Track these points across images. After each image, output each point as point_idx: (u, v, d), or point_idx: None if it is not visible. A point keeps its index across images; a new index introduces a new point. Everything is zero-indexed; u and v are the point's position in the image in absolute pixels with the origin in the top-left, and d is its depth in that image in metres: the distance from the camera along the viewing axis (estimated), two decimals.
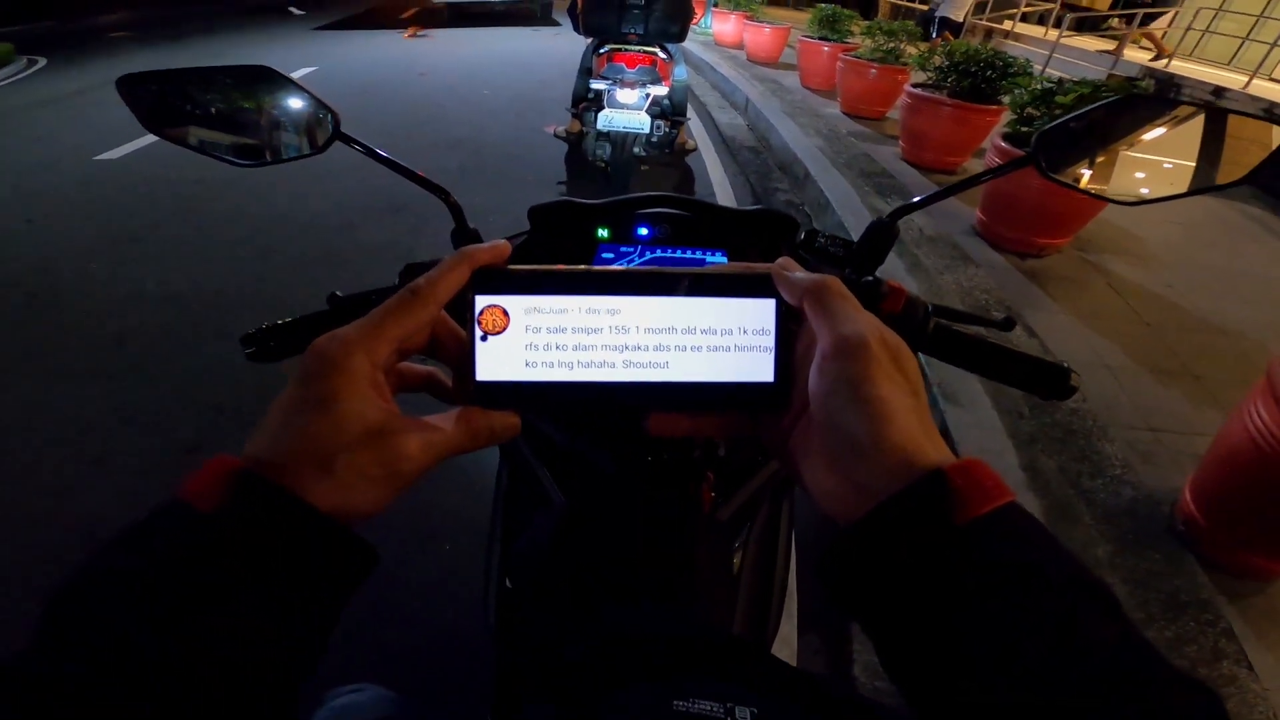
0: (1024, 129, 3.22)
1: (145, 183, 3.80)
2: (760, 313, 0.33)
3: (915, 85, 4.25)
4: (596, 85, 3.42)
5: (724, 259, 0.60)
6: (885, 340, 0.30)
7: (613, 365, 0.31)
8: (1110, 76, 8.14)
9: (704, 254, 0.60)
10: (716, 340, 0.32)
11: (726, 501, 0.58)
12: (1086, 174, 0.72)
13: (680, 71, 3.74)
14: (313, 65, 7.58)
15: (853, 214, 3.30)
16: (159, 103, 0.66)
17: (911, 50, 5.30)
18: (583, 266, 0.33)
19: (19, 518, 1.68)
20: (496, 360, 0.31)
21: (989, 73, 3.92)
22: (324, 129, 0.66)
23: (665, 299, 0.32)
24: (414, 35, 9.46)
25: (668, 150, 3.66)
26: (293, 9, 14.04)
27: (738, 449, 0.59)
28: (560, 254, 0.62)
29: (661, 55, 3.47)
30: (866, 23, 5.94)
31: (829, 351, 0.30)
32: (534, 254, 0.64)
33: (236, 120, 0.66)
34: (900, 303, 0.59)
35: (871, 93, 5.31)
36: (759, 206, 0.64)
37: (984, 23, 11.68)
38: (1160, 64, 8.09)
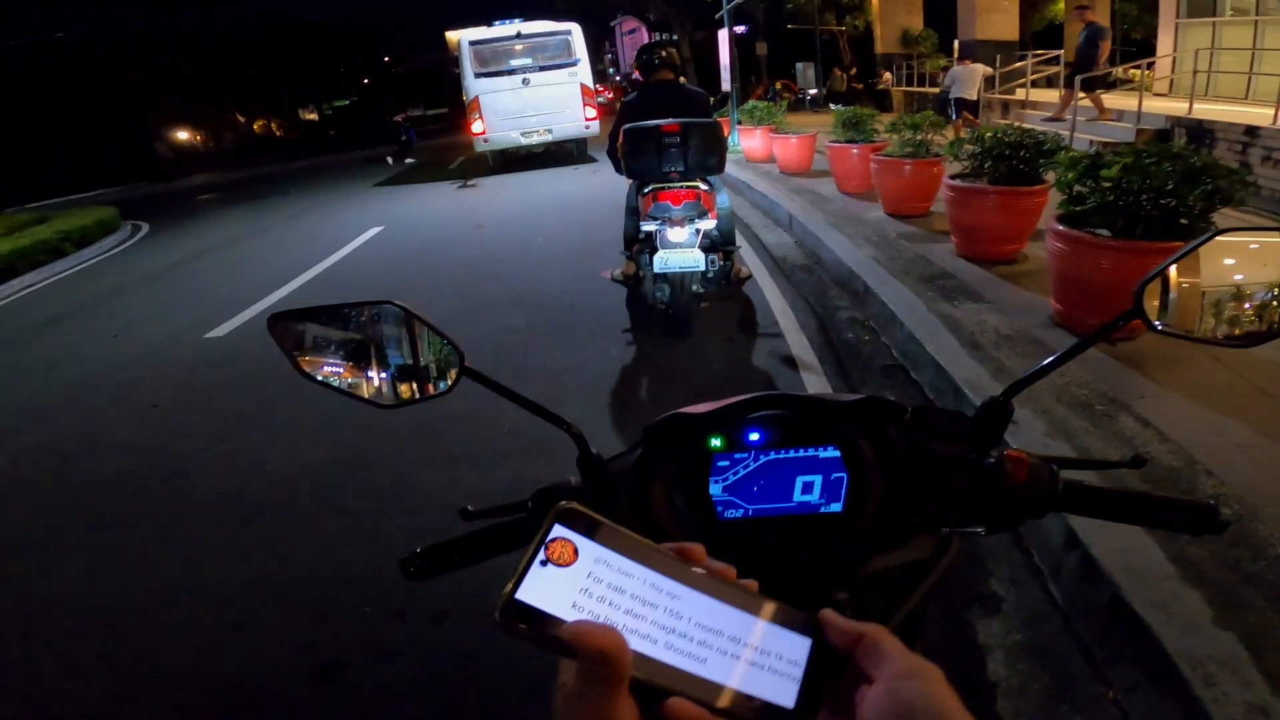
0: (1077, 208, 3.19)
1: (252, 361, 4.16)
2: (796, 646, 0.35)
3: (954, 177, 4.30)
4: (647, 227, 3.55)
5: (836, 453, 0.60)
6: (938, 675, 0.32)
7: (654, 641, 0.32)
8: (1139, 132, 8.12)
9: (816, 451, 0.60)
10: (754, 655, 0.34)
11: None
12: (1198, 319, 0.69)
13: (723, 199, 3.86)
14: (379, 225, 8.22)
15: (921, 324, 3.27)
16: (302, 342, 0.70)
17: (939, 139, 5.42)
18: (667, 548, 0.35)
19: (168, 679, 1.88)
20: (546, 590, 0.32)
21: (1023, 153, 3.94)
22: (451, 364, 0.67)
23: (722, 604, 0.34)
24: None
25: (725, 283, 3.75)
26: (388, 159, 15.92)
27: (861, 603, 0.58)
28: (675, 468, 0.63)
29: (704, 187, 3.60)
30: (888, 118, 6.13)
31: (894, 680, 0.32)
32: (648, 470, 0.64)
33: (373, 359, 0.69)
34: (1024, 471, 0.59)
35: (911, 190, 5.40)
36: (861, 395, 0.64)
37: (998, 96, 11.95)
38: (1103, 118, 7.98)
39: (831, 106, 14.05)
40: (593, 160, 11.85)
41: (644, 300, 3.83)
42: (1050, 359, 0.63)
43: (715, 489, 0.60)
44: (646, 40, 27.14)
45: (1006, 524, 0.61)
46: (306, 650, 1.91)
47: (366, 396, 0.68)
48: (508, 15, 12.45)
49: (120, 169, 25.35)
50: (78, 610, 2.19)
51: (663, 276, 3.50)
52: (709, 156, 3.58)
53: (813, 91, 19.72)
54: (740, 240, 4.69)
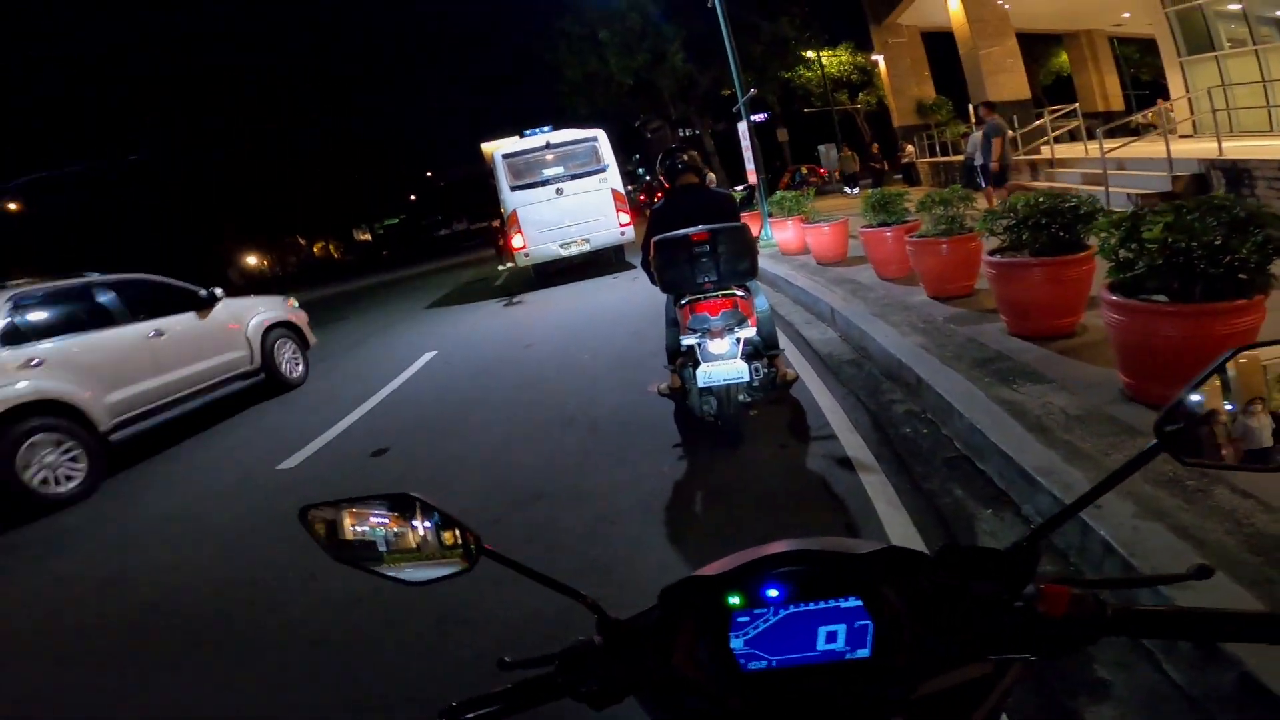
0: (1126, 275, 3.07)
1: (324, 486, 4.40)
2: None
3: (993, 252, 4.23)
4: (687, 341, 3.55)
5: (858, 603, 0.60)
6: None
7: None
8: (1175, 179, 7.96)
9: (837, 602, 0.61)
10: None
11: None
12: (1226, 444, 0.64)
13: (761, 303, 3.86)
14: (433, 350, 8.53)
15: (983, 412, 3.16)
16: (331, 530, 0.75)
17: (972, 213, 5.35)
18: None
19: None
20: None
21: (1060, 219, 3.82)
22: (469, 546, 0.72)
23: None
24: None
25: (771, 388, 3.72)
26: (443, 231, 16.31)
27: None
28: (696, 626, 0.64)
29: (740, 294, 3.58)
30: (918, 194, 6.13)
31: None
32: (669, 628, 0.65)
33: (398, 543, 0.74)
34: (1064, 604, 0.58)
35: (951, 270, 5.33)
36: (882, 545, 0.63)
37: (1024, 157, 11.98)
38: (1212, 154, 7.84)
39: (846, 190, 14.23)
40: (631, 266, 12.19)
41: (691, 413, 3.83)
42: (1078, 498, 0.63)
43: (737, 643, 0.61)
44: (670, 137, 28.45)
45: (1057, 652, 0.59)
46: None
47: (395, 576, 0.74)
48: (534, 124, 12.76)
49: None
50: None
51: (708, 390, 3.50)
52: (740, 261, 3.59)
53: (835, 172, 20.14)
54: (783, 340, 4.71)
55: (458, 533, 0.73)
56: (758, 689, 0.61)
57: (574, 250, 12.02)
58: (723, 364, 3.41)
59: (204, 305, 6.72)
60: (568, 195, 11.82)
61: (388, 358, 8.70)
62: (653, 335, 4.79)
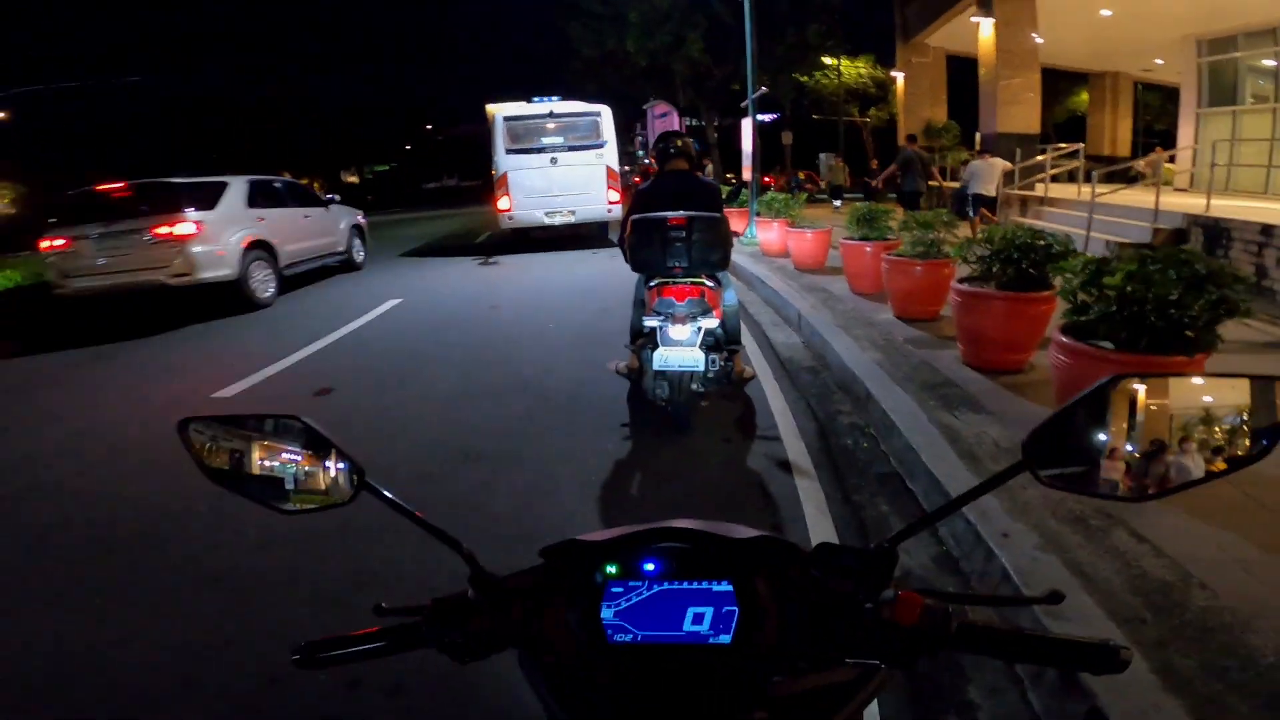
0: (1081, 318, 3.12)
1: None
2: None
3: (961, 280, 4.28)
4: (650, 322, 3.56)
5: (729, 588, 0.61)
6: None
7: None
8: (1156, 231, 8.13)
9: (710, 584, 0.62)
10: None
11: None
12: (1093, 471, 0.65)
13: (730, 297, 3.87)
14: (399, 298, 8.46)
15: (920, 433, 3.22)
16: (210, 446, 0.73)
17: (952, 239, 5.40)
18: None
19: None
20: None
21: (1032, 255, 3.86)
22: (350, 480, 0.71)
23: None
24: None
25: (726, 382, 3.74)
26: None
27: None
28: (571, 591, 0.64)
29: (709, 284, 3.61)
30: (904, 214, 6.16)
31: None
32: (545, 590, 0.66)
33: (275, 468, 0.72)
34: (916, 613, 0.60)
35: (920, 292, 5.39)
36: (760, 534, 0.65)
37: (1017, 192, 12.11)
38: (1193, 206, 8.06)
39: (833, 202, 14.19)
40: (612, 245, 12.12)
41: (645, 395, 3.84)
42: (941, 506, 0.65)
43: (607, 613, 0.62)
44: (677, 124, 28.32)
45: (902, 661, 0.61)
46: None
47: (268, 502, 0.72)
48: (546, 94, 12.83)
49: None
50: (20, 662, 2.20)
51: (662, 374, 3.51)
52: (712, 252, 3.60)
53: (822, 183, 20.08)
54: (747, 338, 4.72)
55: (340, 464, 0.72)
56: (621, 662, 0.61)
57: (559, 220, 12.01)
58: (680, 350, 3.42)
59: (326, 204, 10.73)
60: (562, 165, 11.81)
61: (351, 299, 8.58)
62: (620, 314, 4.77)
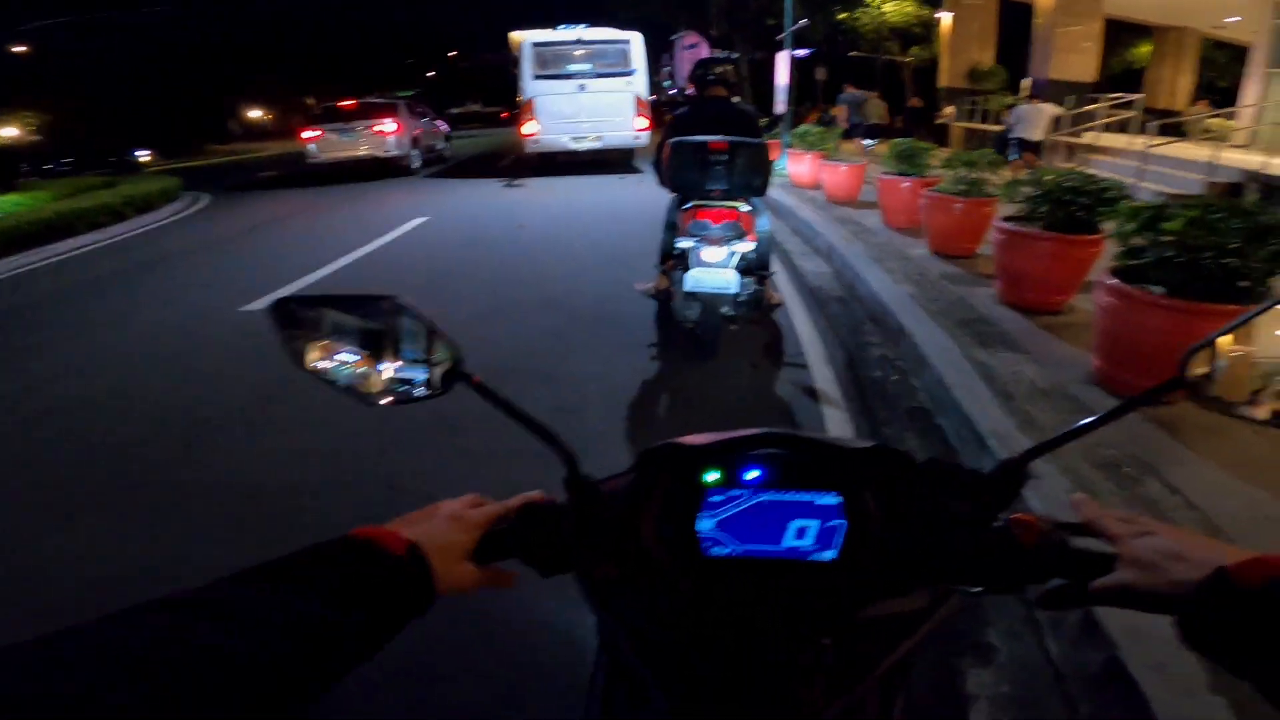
0: (1132, 261, 3.05)
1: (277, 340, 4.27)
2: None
3: (1006, 219, 4.17)
4: (682, 244, 3.52)
5: (836, 500, 0.57)
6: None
7: None
8: (1211, 185, 7.80)
9: (815, 496, 0.58)
10: None
11: (832, 704, 0.57)
12: (1245, 393, 0.62)
13: (764, 223, 3.81)
14: (425, 215, 8.40)
15: (953, 369, 3.16)
16: (300, 329, 0.67)
17: (995, 179, 5.27)
18: None
19: None
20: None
21: (1083, 199, 3.77)
22: (447, 367, 0.65)
23: None
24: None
25: (755, 307, 3.69)
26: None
27: (848, 649, 0.57)
28: (667, 497, 0.60)
29: (745, 209, 3.55)
30: (945, 154, 6.00)
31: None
32: (639, 497, 0.61)
33: (368, 354, 0.66)
34: (1033, 537, 0.56)
35: (959, 229, 5.26)
36: (872, 443, 0.61)
37: (1064, 139, 11.63)
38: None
39: (864, 143, 13.57)
40: (638, 171, 11.89)
41: (673, 316, 3.81)
42: (1080, 423, 0.59)
43: (705, 524, 0.58)
44: (706, 55, 27.24)
45: (1008, 587, 0.57)
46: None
47: (358, 391, 0.66)
48: (573, 20, 12.64)
49: (193, 142, 26.63)
50: (62, 580, 2.17)
51: (693, 295, 3.46)
52: (754, 177, 3.55)
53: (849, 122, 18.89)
54: (776, 265, 4.63)
55: (438, 352, 0.65)
56: (713, 574, 0.58)
57: (585, 145, 11.90)
58: (713, 272, 3.36)
59: (435, 117, 16.96)
60: (590, 92, 11.69)
61: (379, 217, 8.51)
62: (647, 237, 4.68)
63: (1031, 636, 1.81)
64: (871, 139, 13.65)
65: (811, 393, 3.30)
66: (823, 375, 3.49)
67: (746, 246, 3.49)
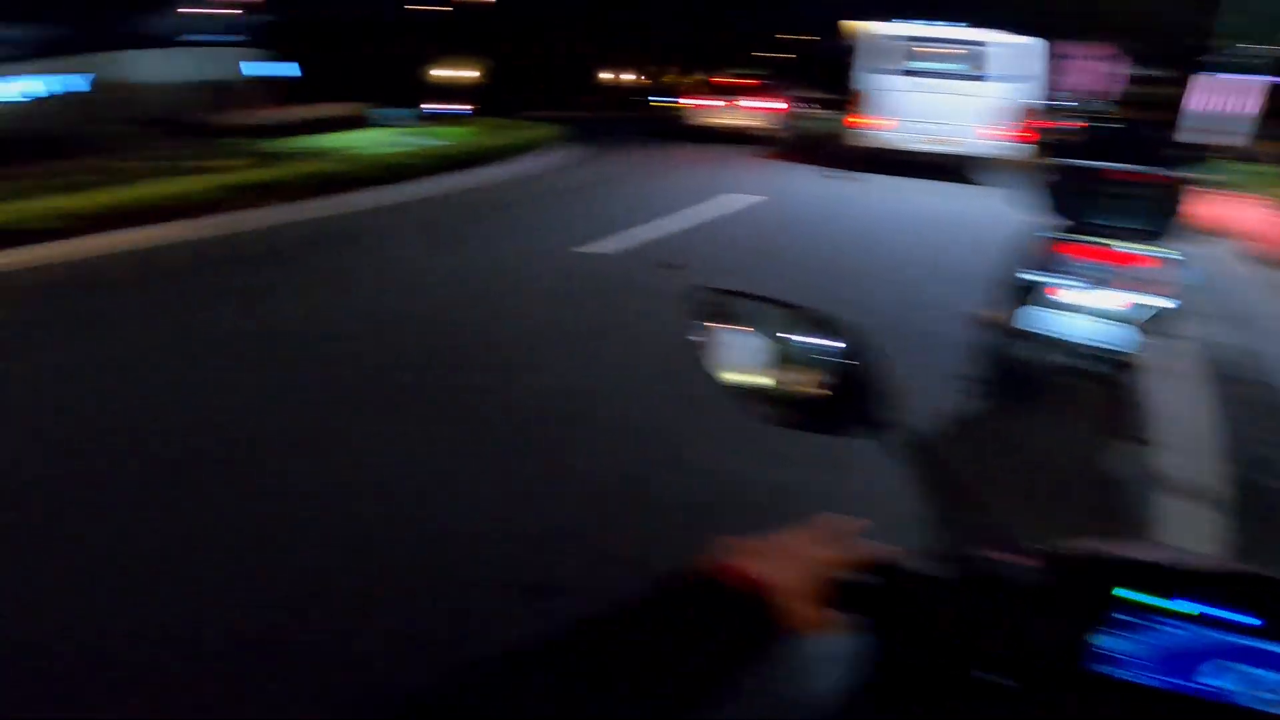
0: None
1: (611, 278, 5.01)
2: None
3: None
4: (1060, 281, 3.11)
5: None
6: None
7: None
8: None
9: (1273, 646, 0.46)
10: None
11: None
12: None
13: (1191, 275, 3.23)
14: (763, 195, 8.75)
15: None
16: (720, 323, 0.64)
17: None
18: None
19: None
20: None
21: None
22: (883, 409, 0.58)
23: None
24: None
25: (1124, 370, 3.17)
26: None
27: None
28: (1070, 602, 0.51)
29: (1173, 256, 3.07)
30: None
31: None
32: (1036, 593, 0.53)
33: (788, 370, 0.61)
34: None
35: None
36: None
37: None
38: None
39: None
40: (975, 184, 10.78)
41: (1004, 356, 3.34)
42: None
43: (1105, 638, 0.49)
44: (1118, 70, 23.26)
45: None
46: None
47: (763, 408, 0.62)
48: (952, 19, 11.85)
49: (565, 99, 30.86)
50: (332, 494, 2.49)
51: (1056, 342, 3.08)
52: (1165, 222, 3.09)
53: None
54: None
55: (873, 386, 0.58)
56: (1096, 695, 0.48)
57: (939, 149, 10.99)
58: (1106, 323, 2.98)
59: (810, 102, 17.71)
60: (957, 94, 10.82)
61: (719, 187, 9.01)
62: (993, 258, 4.23)
63: None
64: None
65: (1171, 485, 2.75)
66: (1198, 464, 2.88)
67: (1165, 302, 3.00)
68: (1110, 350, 2.99)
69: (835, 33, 18.13)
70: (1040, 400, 3.23)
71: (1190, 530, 2.48)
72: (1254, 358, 4.22)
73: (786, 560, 0.51)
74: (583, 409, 3.15)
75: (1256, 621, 0.47)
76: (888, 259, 5.92)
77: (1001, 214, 3.53)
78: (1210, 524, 2.53)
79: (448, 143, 10.36)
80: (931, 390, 3.42)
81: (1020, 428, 3.16)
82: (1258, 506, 2.68)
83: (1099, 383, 3.48)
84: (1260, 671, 0.46)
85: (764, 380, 0.62)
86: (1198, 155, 8.87)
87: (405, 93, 14.17)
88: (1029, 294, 3.21)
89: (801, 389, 0.61)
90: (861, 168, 11.72)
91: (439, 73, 21.04)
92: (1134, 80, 3.74)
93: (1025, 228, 3.50)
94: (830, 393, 0.59)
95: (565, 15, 36.03)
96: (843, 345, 0.60)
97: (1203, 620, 0.48)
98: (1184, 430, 3.24)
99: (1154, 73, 21.74)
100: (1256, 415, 3.44)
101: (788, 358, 0.62)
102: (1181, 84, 19.33)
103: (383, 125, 12.02)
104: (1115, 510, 2.60)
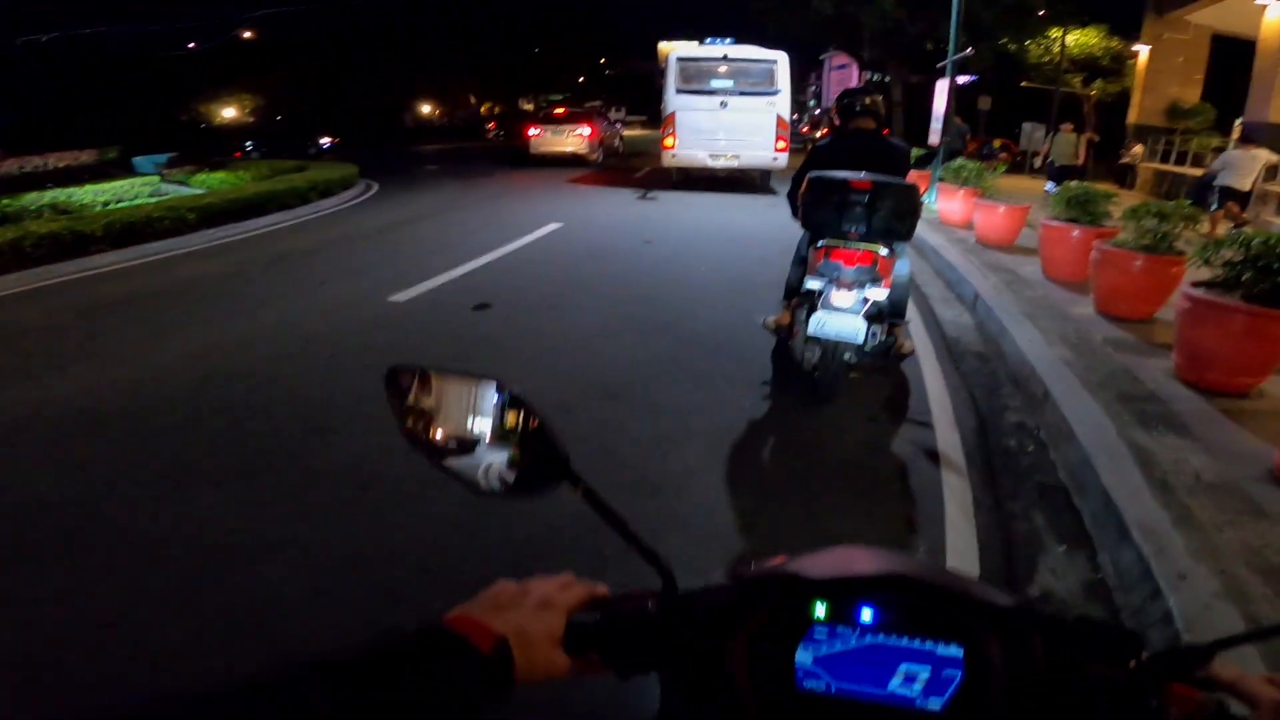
0: None
1: (423, 328, 4.75)
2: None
3: (1197, 284, 3.65)
4: (812, 283, 3.39)
5: (958, 653, 0.51)
6: None
7: None
8: None
9: (936, 645, 0.51)
10: None
11: None
12: None
13: (903, 267, 3.60)
14: (560, 222, 8.74)
15: (1103, 448, 2.79)
16: (412, 402, 0.65)
17: (1190, 235, 4.63)
18: None
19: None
20: None
21: None
22: (553, 467, 0.60)
23: None
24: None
25: (883, 356, 3.47)
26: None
27: None
28: (765, 624, 0.55)
29: (883, 252, 3.34)
30: (1130, 199, 5.29)
31: None
32: (734, 620, 0.56)
33: (476, 439, 0.63)
34: (1189, 710, 0.49)
35: (1135, 289, 4.66)
36: (1014, 603, 0.52)
37: (1277, 190, 10.08)
38: None
39: (1047, 188, 12.32)
40: (774, 193, 11.68)
41: (791, 356, 3.66)
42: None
43: (804, 656, 0.54)
44: (856, 78, 26.11)
45: None
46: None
47: (463, 478, 0.63)
48: (722, 35, 12.63)
49: (371, 133, 29.62)
50: (172, 554, 2.30)
51: (815, 339, 3.30)
52: (898, 222, 3.34)
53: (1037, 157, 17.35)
54: (911, 311, 4.34)
55: (548, 448, 0.60)
56: (805, 711, 0.54)
57: (721, 163, 11.89)
58: (840, 317, 3.19)
59: (613, 122, 23.53)
60: (731, 110, 11.67)
61: (519, 218, 8.97)
62: (778, 265, 4.53)
63: None
64: (1055, 181, 12.30)
65: (933, 455, 3.05)
66: (948, 438, 3.21)
67: (880, 293, 3.31)
68: (848, 343, 3.21)
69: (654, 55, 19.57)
70: (821, 395, 3.45)
71: (954, 497, 2.72)
72: (976, 333, 4.83)
73: (522, 610, 0.54)
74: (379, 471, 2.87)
75: (952, 649, 0.52)
76: (692, 278, 6.12)
77: (788, 222, 3.78)
78: (966, 489, 2.79)
79: (217, 190, 9.38)
80: (734, 395, 3.60)
81: (806, 423, 3.36)
82: (988, 462, 3.01)
83: (867, 373, 3.83)
84: (947, 672, 0.51)
85: (464, 458, 0.64)
86: (931, 155, 10.32)
87: (170, 135, 12.83)
88: (804, 298, 3.45)
89: (499, 459, 0.63)
90: (669, 186, 12.36)
91: (216, 111, 19.39)
92: (865, 91, 4.22)
93: (801, 237, 3.75)
94: (523, 457, 0.62)
95: (369, 50, 34.82)
96: (521, 409, 0.62)
97: (887, 629, 0.53)
98: (935, 402, 3.60)
99: (882, 79, 24.80)
100: (987, 385, 3.89)
101: (477, 428, 0.63)
102: (914, 87, 22.33)
103: (142, 174, 10.69)
104: (895, 489, 2.80)
